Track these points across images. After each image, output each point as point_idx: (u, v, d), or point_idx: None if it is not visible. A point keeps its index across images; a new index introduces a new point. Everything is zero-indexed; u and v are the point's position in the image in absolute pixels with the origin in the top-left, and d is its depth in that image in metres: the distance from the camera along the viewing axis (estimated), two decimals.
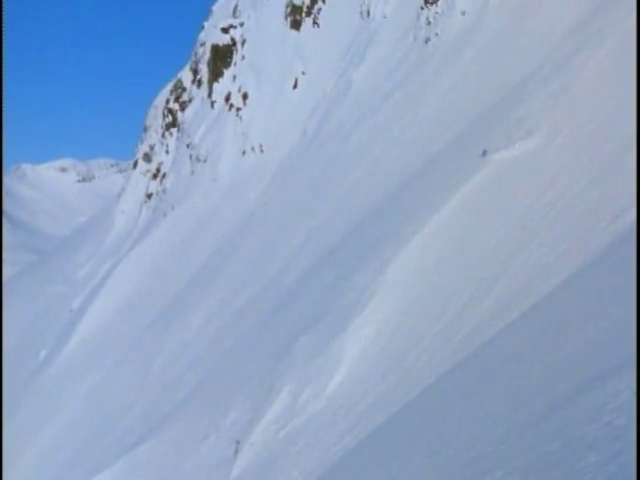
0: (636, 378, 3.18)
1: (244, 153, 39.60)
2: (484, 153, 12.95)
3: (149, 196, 49.40)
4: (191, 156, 44.72)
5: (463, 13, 25.21)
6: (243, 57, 43.23)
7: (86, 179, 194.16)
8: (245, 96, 41.91)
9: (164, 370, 24.41)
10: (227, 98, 43.19)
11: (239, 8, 45.44)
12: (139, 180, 52.64)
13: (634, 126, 8.94)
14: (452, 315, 9.39)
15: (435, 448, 4.94)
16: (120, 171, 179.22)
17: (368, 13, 34.02)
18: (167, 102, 51.62)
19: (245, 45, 43.37)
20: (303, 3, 40.09)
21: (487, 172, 12.52)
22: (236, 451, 12.05)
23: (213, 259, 31.43)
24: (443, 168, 14.95)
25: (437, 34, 26.41)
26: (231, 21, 44.94)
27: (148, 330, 31.11)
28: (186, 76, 50.29)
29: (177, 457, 15.00)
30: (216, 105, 44.40)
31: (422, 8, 28.05)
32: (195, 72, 48.80)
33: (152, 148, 52.50)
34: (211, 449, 13.58)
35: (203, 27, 48.77)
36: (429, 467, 4.67)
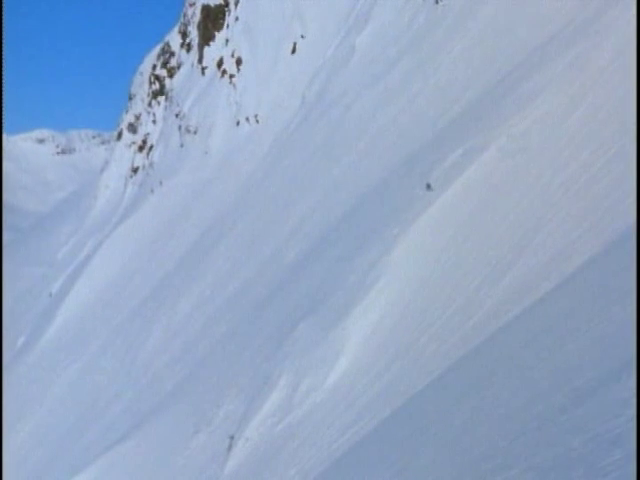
0: None
1: (238, 124, 39.47)
2: (428, 187, 12.97)
3: (135, 170, 49.33)
4: (180, 127, 44.59)
5: None
6: (237, 19, 42.96)
7: (66, 151, 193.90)
8: (239, 61, 41.71)
9: (151, 359, 24.48)
10: (219, 64, 43.00)
11: None
12: (124, 153, 52.56)
13: None
14: (463, 300, 9.39)
15: (445, 443, 4.96)
16: (103, 143, 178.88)
17: None
18: (154, 68, 51.43)
19: (239, 5, 43.08)
20: None
21: (502, 145, 12.48)
22: (229, 447, 12.10)
23: (204, 239, 31.42)
24: (455, 140, 14.88)
25: None
26: None
27: (134, 316, 31.17)
28: (174, 39, 50.07)
29: (165, 454, 15.08)
30: (207, 71, 44.22)
31: None
32: (184, 35, 48.56)
33: (138, 118, 52.37)
34: (202, 445, 13.64)
35: None
36: (438, 464, 4.69)
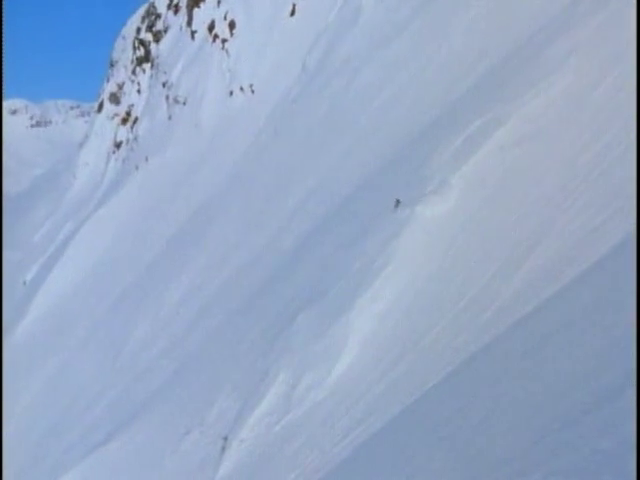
0: None
1: (231, 94, 39.39)
2: (397, 203, 12.97)
3: (118, 145, 49.28)
4: (168, 97, 44.50)
5: None
6: None
7: (41, 124, 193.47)
8: (232, 25, 41.56)
9: (137, 354, 24.57)
10: (210, 27, 42.85)
11: None
12: (105, 126, 52.48)
13: None
14: (479, 288, 9.41)
15: (458, 446, 4.98)
16: (82, 115, 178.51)
17: None
18: (138, 32, 51.27)
19: None
20: None
21: (519, 123, 12.46)
22: (223, 449, 12.17)
23: (194, 222, 31.43)
24: (469, 114, 14.86)
25: None
26: None
27: (118, 306, 31.24)
28: (161, 0, 49.83)
29: (153, 457, 15.16)
30: (197, 36, 44.08)
31: None
32: None
33: (120, 87, 52.26)
34: (193, 447, 13.72)
35: None
36: (450, 468, 4.72)
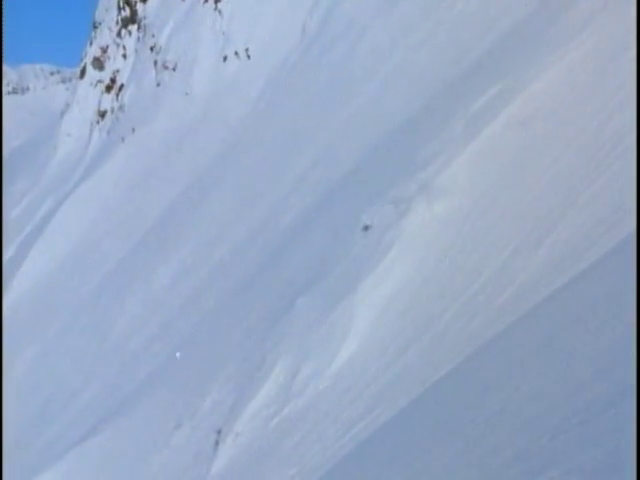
0: None
1: (225, 59, 39.26)
2: (365, 228, 12.93)
3: (102, 115, 49.18)
4: (156, 62, 44.37)
5: None
6: None
7: (18, 91, 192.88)
8: None
9: (124, 340, 24.64)
10: None
11: None
12: (88, 93, 52.33)
13: None
14: (493, 271, 9.41)
15: (471, 441, 4.99)
16: (63, 81, 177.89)
17: None
18: None
19: None
20: None
21: (542, 86, 12.40)
22: (217, 443, 12.23)
23: (186, 197, 31.43)
24: (486, 79, 14.81)
25: None
26: None
27: (102, 289, 31.29)
28: None
29: (141, 451, 15.22)
30: None
31: None
32: None
33: (105, 51, 52.08)
34: (185, 441, 13.78)
35: None
36: (463, 465, 4.72)
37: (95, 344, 26.60)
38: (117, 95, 48.70)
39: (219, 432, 12.37)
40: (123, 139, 43.57)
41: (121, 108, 46.88)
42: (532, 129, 11.80)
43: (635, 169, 7.86)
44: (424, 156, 13.78)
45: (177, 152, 37.22)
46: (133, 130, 43.10)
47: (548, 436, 3.84)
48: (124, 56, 49.70)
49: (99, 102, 50.17)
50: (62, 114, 55.52)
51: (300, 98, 28.72)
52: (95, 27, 54.45)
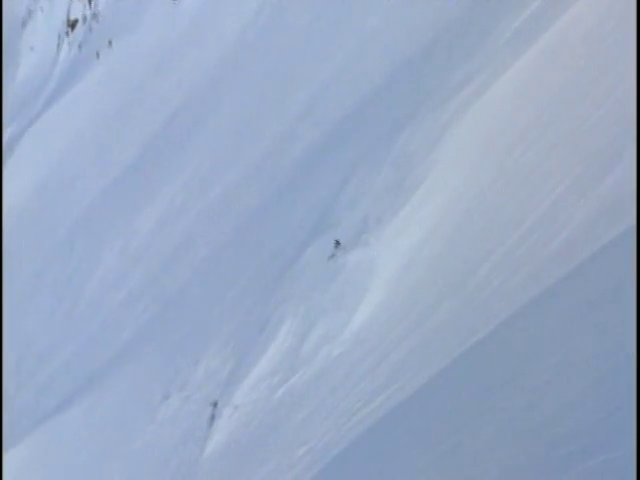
0: None
1: None
2: (337, 244, 12.79)
3: (72, 25, 48.97)
4: None
5: None
6: None
7: None
8: None
9: (101, 297, 24.76)
10: None
11: None
12: None
13: None
14: (539, 216, 9.34)
15: (513, 416, 4.96)
16: None
17: None
18: None
19: None
20: None
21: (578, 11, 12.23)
22: (212, 418, 12.32)
23: (174, 126, 31.40)
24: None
25: None
26: None
27: (74, 236, 31.38)
28: None
29: (122, 428, 15.36)
30: None
31: None
32: None
33: None
34: (174, 415, 13.88)
35: None
36: (500, 446, 4.70)
37: (66, 302, 26.75)
38: (90, 1, 48.43)
39: (214, 405, 12.47)
40: (98, 55, 43.41)
41: (95, 17, 46.66)
42: (594, 43, 11.67)
43: None
44: (460, 76, 13.69)
45: (163, 72, 37.10)
46: (110, 44, 42.93)
47: (598, 416, 3.82)
48: None
49: (68, 9, 49.92)
50: (23, 23, 55.19)
51: (311, 7, 28.50)
52: None
